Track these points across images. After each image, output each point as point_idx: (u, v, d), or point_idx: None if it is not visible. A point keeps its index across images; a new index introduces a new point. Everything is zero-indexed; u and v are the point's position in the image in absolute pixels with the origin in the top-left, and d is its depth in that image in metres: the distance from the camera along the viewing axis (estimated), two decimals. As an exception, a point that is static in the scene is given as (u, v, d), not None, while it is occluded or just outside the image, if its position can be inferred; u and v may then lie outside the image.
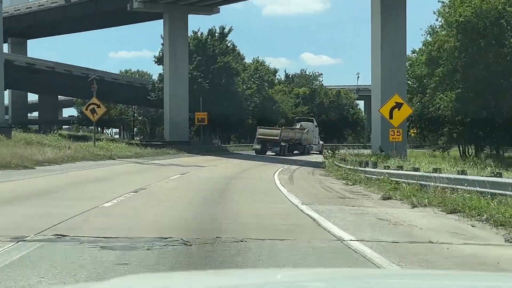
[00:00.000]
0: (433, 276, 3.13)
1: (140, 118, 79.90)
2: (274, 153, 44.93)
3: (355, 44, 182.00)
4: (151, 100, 56.66)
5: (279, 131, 46.59)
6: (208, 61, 55.59)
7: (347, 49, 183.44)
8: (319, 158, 39.37)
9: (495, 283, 2.75)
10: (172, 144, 44.31)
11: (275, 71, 68.64)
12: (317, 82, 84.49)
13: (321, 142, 58.25)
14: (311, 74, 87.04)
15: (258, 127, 49.07)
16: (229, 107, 55.60)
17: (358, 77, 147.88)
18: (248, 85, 63.83)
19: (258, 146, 46.33)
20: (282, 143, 45.92)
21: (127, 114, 78.63)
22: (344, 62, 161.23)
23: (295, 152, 49.34)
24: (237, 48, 60.68)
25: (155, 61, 57.05)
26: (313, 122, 56.69)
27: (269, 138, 45.82)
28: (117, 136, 75.71)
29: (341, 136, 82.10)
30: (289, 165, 31.50)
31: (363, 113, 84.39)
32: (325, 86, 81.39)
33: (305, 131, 52.10)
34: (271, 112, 66.33)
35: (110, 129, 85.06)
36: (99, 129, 67.45)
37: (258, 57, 70.68)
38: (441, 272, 4.12)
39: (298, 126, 54.49)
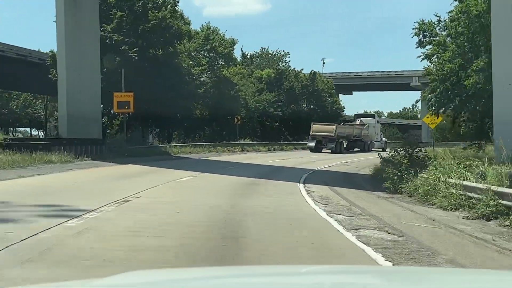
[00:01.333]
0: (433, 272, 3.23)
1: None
2: (329, 150, 42.90)
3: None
4: (52, 81, 37.45)
5: (334, 126, 44.56)
6: (136, 20, 37.10)
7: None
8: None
9: (496, 279, 2.73)
10: (68, 143, 25.71)
11: (233, 42, 50.42)
12: (283, 64, 66.89)
13: (384, 139, 55.56)
14: (274, 53, 69.48)
15: (312, 123, 46.45)
16: (170, 91, 37.40)
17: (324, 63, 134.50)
18: (197, 60, 45.57)
19: (312, 144, 44.35)
20: (338, 140, 44.30)
21: (34, 106, 58.71)
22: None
23: (355, 149, 47.75)
24: (179, 9, 42.29)
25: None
26: (374, 118, 54.98)
27: (324, 135, 43.82)
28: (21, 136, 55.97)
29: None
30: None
31: (341, 103, 67.47)
32: (296, 69, 63.96)
33: (365, 127, 50.11)
34: (229, 99, 48.38)
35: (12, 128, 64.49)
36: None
37: (209, 23, 51.94)
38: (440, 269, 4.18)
39: (358, 122, 52.30)
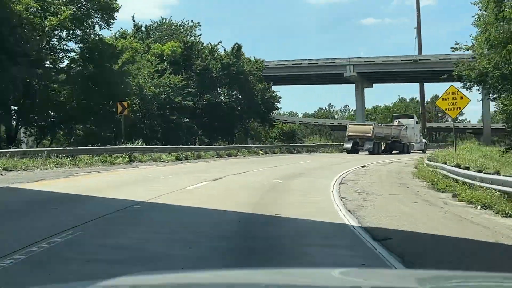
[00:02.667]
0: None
1: None
2: (367, 152, 41.44)
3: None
4: None
5: (371, 126, 43.76)
6: None
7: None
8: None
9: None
10: None
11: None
12: (193, 38, 48.30)
13: (424, 140, 54.73)
14: (180, 24, 50.81)
15: (348, 123, 48.07)
16: None
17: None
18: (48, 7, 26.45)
19: (348, 145, 42.78)
20: (376, 141, 42.81)
21: None
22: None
23: (393, 152, 45.72)
24: None
25: None
26: (413, 118, 53.08)
27: (360, 135, 42.47)
28: None
29: (244, 130, 46.87)
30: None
31: (275, 92, 49.87)
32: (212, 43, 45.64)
33: (403, 128, 48.14)
34: (111, 81, 29.77)
35: None
36: None
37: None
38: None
39: (395, 122, 50.50)
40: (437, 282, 2.72)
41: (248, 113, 43.61)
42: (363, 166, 24.58)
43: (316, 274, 3.07)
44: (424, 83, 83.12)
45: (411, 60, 70.37)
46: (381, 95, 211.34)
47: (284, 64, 74.96)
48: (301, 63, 75.87)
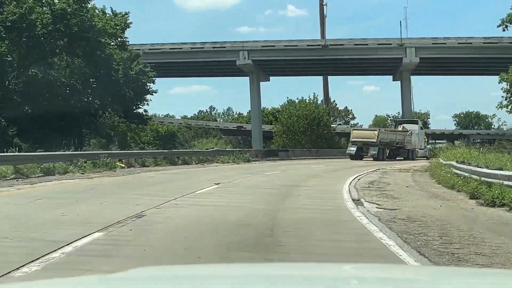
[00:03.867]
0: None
1: None
2: (371, 158, 40.62)
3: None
4: None
5: (376, 131, 43.07)
6: None
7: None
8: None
9: None
10: None
11: None
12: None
13: (428, 146, 54.15)
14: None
15: (352, 128, 47.89)
16: None
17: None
18: None
19: (352, 150, 41.95)
20: (380, 146, 41.84)
21: None
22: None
23: (397, 158, 44.80)
24: None
25: None
26: (417, 124, 51.54)
27: (365, 141, 41.56)
28: None
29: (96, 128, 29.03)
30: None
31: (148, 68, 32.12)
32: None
33: (408, 133, 47.23)
34: None
35: None
36: None
37: None
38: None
39: (399, 128, 49.27)
40: (450, 278, 2.63)
41: (103, 100, 26.32)
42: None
43: (324, 267, 3.19)
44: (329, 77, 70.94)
45: (319, 45, 57.08)
46: (283, 92, 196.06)
47: (160, 49, 58.12)
48: (181, 48, 59.49)
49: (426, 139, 53.74)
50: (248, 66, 58.74)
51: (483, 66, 59.04)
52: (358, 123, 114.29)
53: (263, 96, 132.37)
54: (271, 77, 66.93)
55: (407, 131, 47.61)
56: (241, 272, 2.79)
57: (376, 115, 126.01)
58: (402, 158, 44.61)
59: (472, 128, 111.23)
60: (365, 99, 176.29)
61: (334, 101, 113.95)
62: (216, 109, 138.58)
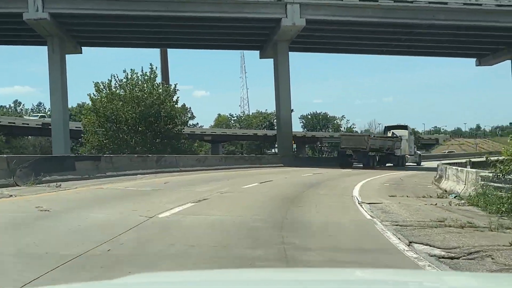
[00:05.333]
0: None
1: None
2: (361, 165, 39.51)
3: None
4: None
5: (366, 138, 41.59)
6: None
7: None
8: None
9: None
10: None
11: None
12: None
13: (418, 152, 54.58)
14: None
15: (341, 134, 47.10)
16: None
17: None
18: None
19: (341, 158, 40.66)
20: (370, 153, 40.43)
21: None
22: None
23: (387, 164, 43.49)
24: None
25: None
26: (407, 129, 49.38)
27: (354, 147, 40.14)
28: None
29: None
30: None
31: None
32: None
33: (398, 140, 45.69)
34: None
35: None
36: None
37: None
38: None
39: (389, 134, 47.34)
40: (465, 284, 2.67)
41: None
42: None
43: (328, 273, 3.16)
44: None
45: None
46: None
47: None
48: None
49: (415, 145, 52.30)
50: (45, 23, 36.76)
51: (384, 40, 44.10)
52: (198, 123, 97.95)
53: (86, 85, 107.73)
54: (85, 48, 45.16)
55: (397, 137, 46.16)
56: (241, 277, 2.80)
57: (219, 115, 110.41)
58: (392, 165, 43.80)
59: (319, 130, 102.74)
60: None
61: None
62: (23, 104, 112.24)
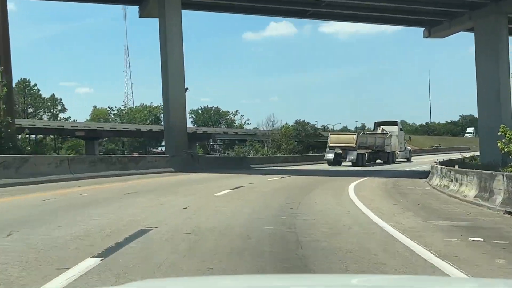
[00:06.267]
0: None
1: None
2: (350, 163, 39.21)
3: None
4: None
5: (355, 136, 41.27)
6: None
7: None
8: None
9: None
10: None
11: None
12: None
13: (408, 147, 52.88)
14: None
15: (330, 133, 45.83)
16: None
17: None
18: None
19: (330, 156, 40.14)
20: (360, 151, 40.23)
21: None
22: None
23: (377, 161, 44.16)
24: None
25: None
26: (397, 125, 49.29)
27: (343, 146, 39.92)
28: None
29: None
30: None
31: None
32: None
33: (388, 136, 45.45)
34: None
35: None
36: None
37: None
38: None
39: (379, 130, 47.33)
40: None
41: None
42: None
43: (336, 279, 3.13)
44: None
45: None
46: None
47: None
48: None
49: (406, 140, 51.60)
50: None
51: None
52: (70, 117, 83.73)
53: None
54: None
55: (387, 133, 45.71)
56: (246, 284, 2.74)
57: (95, 107, 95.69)
58: (382, 162, 43.71)
59: (212, 126, 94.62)
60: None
61: (35, 84, 77.85)
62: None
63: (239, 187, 16.58)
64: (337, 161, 39.30)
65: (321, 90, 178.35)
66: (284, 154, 53.49)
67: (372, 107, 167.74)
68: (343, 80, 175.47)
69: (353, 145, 39.41)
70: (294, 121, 76.77)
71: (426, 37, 40.62)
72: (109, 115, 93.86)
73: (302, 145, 63.54)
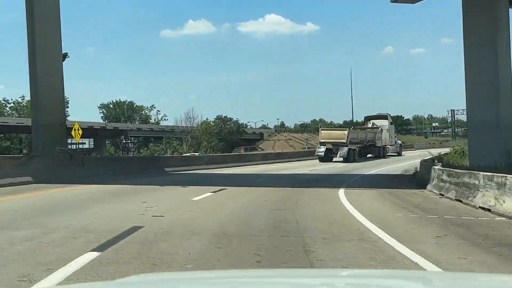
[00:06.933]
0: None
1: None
2: (341, 159, 38.73)
3: None
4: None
5: (346, 131, 41.08)
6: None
7: None
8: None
9: None
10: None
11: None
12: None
13: (399, 141, 53.33)
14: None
15: (320, 129, 45.62)
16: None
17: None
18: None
19: (321, 152, 40.10)
20: (351, 146, 40.15)
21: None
22: None
23: (368, 156, 44.15)
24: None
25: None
26: (387, 119, 49.49)
27: (334, 142, 40.08)
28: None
29: None
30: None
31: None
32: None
33: (379, 130, 45.66)
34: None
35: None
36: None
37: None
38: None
39: (369, 124, 47.61)
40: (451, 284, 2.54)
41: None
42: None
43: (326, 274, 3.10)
44: None
45: None
46: None
47: None
48: None
49: (396, 135, 52.03)
50: None
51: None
52: None
53: None
54: None
55: (378, 127, 45.72)
56: (245, 277, 2.72)
57: None
58: (373, 156, 43.84)
59: (125, 122, 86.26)
60: None
61: None
62: None
63: (109, 246, 6.39)
64: (328, 157, 39.21)
65: (242, 88, 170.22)
66: (208, 153, 45.11)
67: (296, 105, 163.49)
68: (267, 78, 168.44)
69: (344, 140, 39.44)
70: (215, 117, 69.15)
71: (393, 1, 32.05)
72: (5, 109, 79.66)
73: (225, 142, 55.52)
